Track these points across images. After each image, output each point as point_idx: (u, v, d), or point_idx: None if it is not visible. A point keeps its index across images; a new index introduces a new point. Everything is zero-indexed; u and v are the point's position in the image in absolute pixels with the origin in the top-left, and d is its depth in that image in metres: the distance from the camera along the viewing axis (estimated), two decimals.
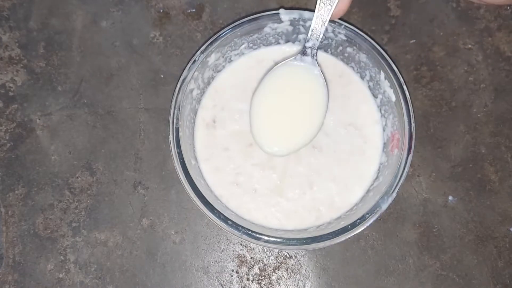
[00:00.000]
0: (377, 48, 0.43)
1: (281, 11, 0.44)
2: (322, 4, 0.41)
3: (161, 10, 0.52)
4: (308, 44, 0.43)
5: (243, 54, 0.48)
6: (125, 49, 0.51)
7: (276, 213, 0.45)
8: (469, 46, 0.51)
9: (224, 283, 0.47)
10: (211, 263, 0.47)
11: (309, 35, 0.42)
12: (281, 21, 0.45)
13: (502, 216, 0.48)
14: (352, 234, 0.40)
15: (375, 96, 0.47)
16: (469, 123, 0.50)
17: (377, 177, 0.45)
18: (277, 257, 0.47)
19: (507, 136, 0.49)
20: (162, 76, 0.51)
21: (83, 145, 0.49)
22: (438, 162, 0.49)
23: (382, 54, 0.43)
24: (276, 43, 0.48)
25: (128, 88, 0.50)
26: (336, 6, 0.40)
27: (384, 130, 0.46)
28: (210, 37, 0.44)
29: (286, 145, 0.43)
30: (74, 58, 0.51)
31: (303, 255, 0.47)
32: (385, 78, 0.44)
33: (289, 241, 0.40)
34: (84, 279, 0.47)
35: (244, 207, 0.45)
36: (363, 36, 0.44)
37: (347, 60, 0.47)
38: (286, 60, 0.44)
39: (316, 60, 0.43)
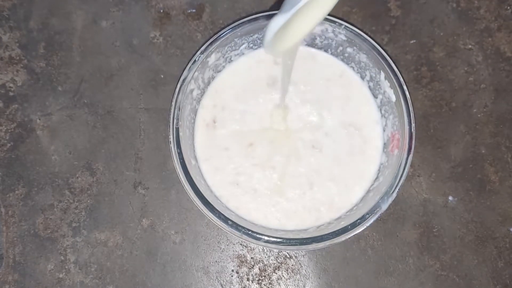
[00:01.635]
0: (377, 48, 0.43)
1: None
2: None
3: (161, 10, 0.52)
4: None
5: (243, 54, 0.48)
6: (125, 49, 0.51)
7: (276, 213, 0.45)
8: (469, 46, 0.51)
9: (224, 283, 0.47)
10: (211, 263, 0.47)
11: None
12: None
13: (502, 216, 0.48)
14: (352, 234, 0.40)
15: (375, 97, 0.47)
16: (469, 124, 0.50)
17: (377, 177, 0.45)
18: (277, 257, 0.47)
19: (507, 137, 0.49)
20: (162, 76, 0.51)
21: (83, 145, 0.49)
22: (438, 162, 0.49)
23: (382, 55, 0.43)
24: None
25: (128, 88, 0.50)
26: None
27: (384, 130, 0.46)
28: (210, 37, 0.44)
29: (279, 43, 0.40)
30: (74, 58, 0.51)
31: (303, 255, 0.47)
32: (385, 78, 0.44)
33: (289, 241, 0.40)
34: (84, 279, 0.47)
35: (244, 207, 0.45)
36: (363, 37, 0.44)
37: (347, 60, 0.47)
38: None
39: None
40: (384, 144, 0.46)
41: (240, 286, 0.47)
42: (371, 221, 0.40)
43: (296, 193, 0.45)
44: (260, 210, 0.45)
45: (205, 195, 0.41)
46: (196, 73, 0.44)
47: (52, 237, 0.47)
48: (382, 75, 0.44)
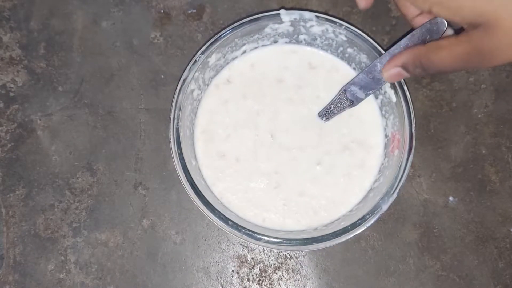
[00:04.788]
0: (377, 49, 0.43)
1: (282, 11, 0.44)
2: None
3: (162, 11, 0.52)
4: None
5: (243, 54, 0.48)
6: (126, 49, 0.51)
7: (277, 213, 0.45)
8: None
9: (224, 283, 0.47)
10: (211, 263, 0.47)
11: None
12: (281, 22, 0.45)
13: (503, 216, 0.48)
14: (352, 235, 0.40)
15: (375, 97, 0.47)
16: (470, 124, 0.50)
17: (377, 178, 0.45)
18: (277, 257, 0.47)
19: (507, 137, 0.49)
20: (162, 76, 0.51)
21: (83, 146, 0.49)
22: (438, 162, 0.49)
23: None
24: (276, 44, 0.48)
25: (129, 88, 0.50)
26: None
27: (384, 131, 0.46)
28: (211, 38, 0.44)
29: None
30: (74, 58, 0.51)
31: (303, 256, 0.47)
32: None
33: (289, 242, 0.40)
34: (85, 280, 0.47)
35: (244, 208, 0.45)
36: (364, 37, 0.44)
37: (348, 60, 0.47)
38: None
39: None
40: (385, 144, 0.46)
41: (241, 287, 0.47)
42: (371, 221, 0.40)
43: (296, 194, 0.45)
44: (260, 210, 0.44)
45: (205, 196, 0.41)
46: (197, 74, 0.44)
47: (53, 238, 0.47)
48: None
